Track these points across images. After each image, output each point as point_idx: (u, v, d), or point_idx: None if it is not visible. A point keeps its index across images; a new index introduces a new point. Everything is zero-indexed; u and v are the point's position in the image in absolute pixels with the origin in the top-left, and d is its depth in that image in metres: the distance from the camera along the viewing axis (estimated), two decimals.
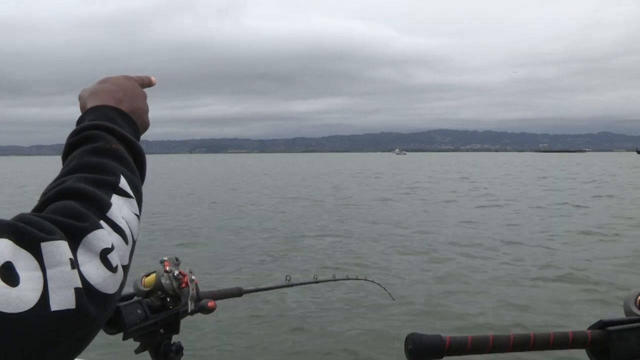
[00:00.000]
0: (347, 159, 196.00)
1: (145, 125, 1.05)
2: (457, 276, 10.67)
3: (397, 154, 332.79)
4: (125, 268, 0.77)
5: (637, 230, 15.92)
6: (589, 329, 1.19)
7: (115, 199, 0.80)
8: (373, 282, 2.62)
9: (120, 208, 0.80)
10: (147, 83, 1.11)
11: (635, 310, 1.19)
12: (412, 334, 1.10)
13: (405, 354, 1.11)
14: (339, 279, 2.39)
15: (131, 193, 0.85)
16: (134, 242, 0.81)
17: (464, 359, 1.13)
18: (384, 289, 2.63)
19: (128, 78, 1.06)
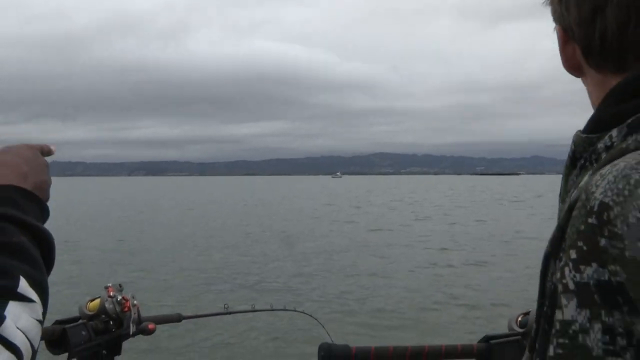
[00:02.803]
0: (280, 182, 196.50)
1: (47, 199, 0.97)
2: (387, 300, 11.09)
3: (332, 177, 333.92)
4: None
5: None
6: (477, 342, 1.41)
7: (11, 308, 0.71)
8: (311, 316, 2.52)
9: (18, 318, 0.71)
10: (47, 151, 1.04)
11: (515, 327, 1.42)
12: (323, 343, 1.29)
13: None
14: (276, 309, 2.38)
15: (32, 296, 0.75)
16: (34, 352, 0.73)
17: None
18: (319, 321, 2.49)
19: (30, 147, 1.00)
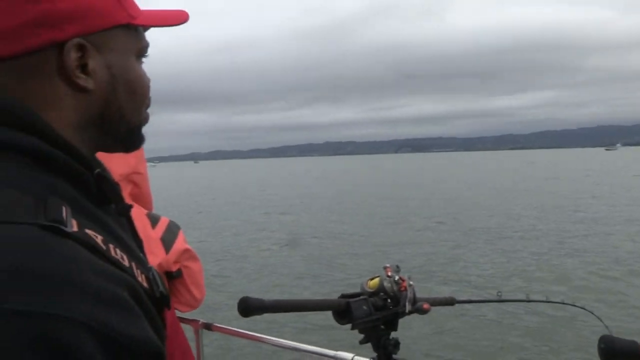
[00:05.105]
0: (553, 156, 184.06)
1: None
2: None
3: (606, 150, 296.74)
4: None
5: None
6: None
7: None
8: (592, 313, 2.15)
9: None
10: None
11: None
12: (605, 335, 1.18)
13: (598, 353, 1.17)
14: (553, 302, 2.21)
15: None
16: None
17: None
18: (600, 319, 2.11)
19: None
